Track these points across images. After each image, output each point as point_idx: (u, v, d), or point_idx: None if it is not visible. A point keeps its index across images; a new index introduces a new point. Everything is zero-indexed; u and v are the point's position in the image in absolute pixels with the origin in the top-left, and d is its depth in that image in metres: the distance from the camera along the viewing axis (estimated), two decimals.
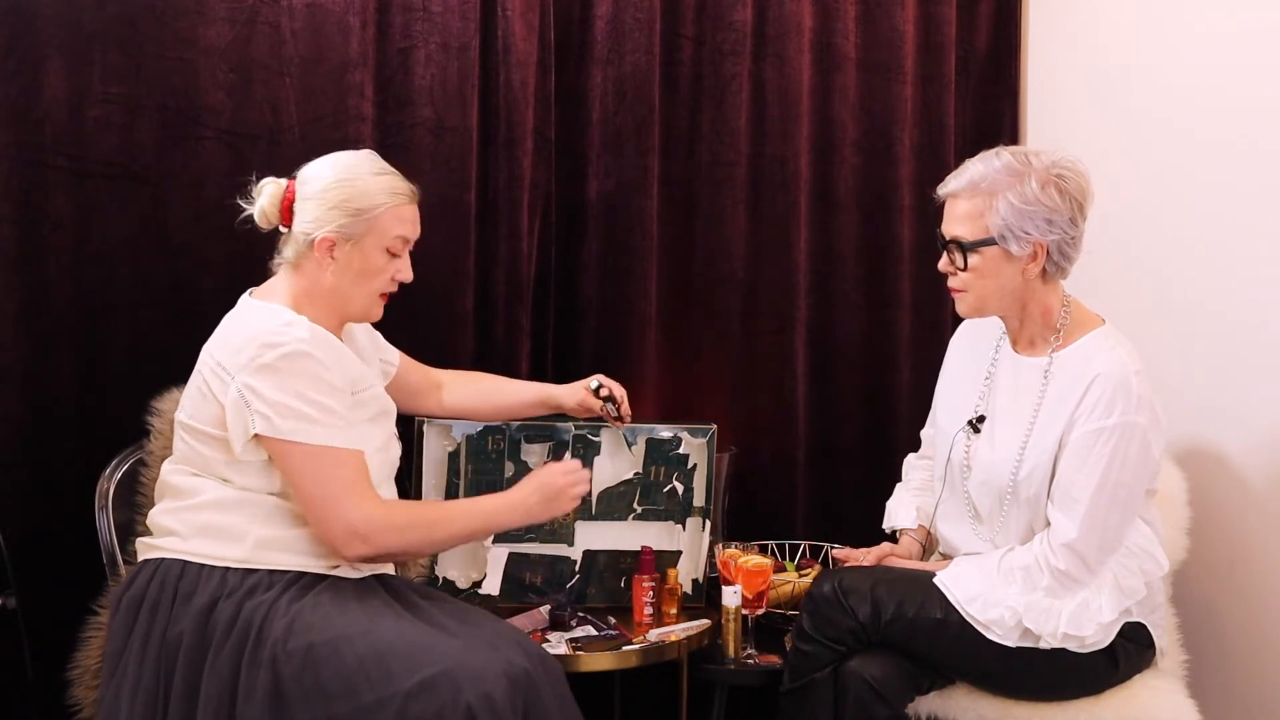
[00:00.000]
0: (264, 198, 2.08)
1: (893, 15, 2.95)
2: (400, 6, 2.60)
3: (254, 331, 1.97)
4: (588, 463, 2.46)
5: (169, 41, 2.43)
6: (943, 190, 2.19)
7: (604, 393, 2.37)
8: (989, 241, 2.12)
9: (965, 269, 2.16)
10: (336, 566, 2.01)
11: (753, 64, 2.87)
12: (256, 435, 1.94)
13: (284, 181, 2.09)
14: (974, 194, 2.13)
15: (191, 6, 2.44)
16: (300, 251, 2.05)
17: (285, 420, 1.93)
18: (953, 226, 2.16)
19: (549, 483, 2.15)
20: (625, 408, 2.40)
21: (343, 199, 2.03)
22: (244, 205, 2.11)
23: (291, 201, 2.06)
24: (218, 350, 2.00)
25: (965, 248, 2.14)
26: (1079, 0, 2.93)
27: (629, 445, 2.47)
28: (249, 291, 2.10)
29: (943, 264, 2.20)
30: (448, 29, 2.61)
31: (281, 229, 2.09)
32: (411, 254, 2.59)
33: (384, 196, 2.04)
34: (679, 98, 2.84)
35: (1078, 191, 2.13)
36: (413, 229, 2.10)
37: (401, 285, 2.58)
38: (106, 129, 2.40)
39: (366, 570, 2.05)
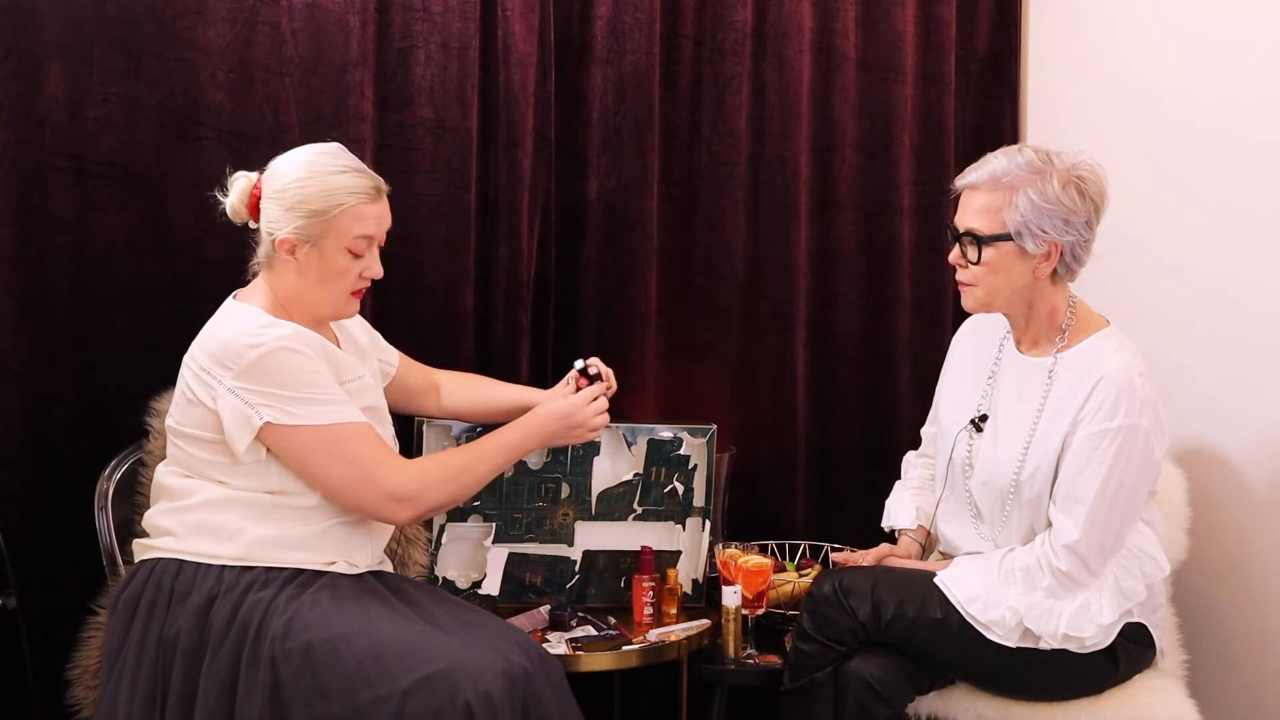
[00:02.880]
0: (233, 193, 2.08)
1: (893, 15, 2.95)
2: (400, 6, 2.60)
3: (233, 334, 1.97)
4: (587, 462, 2.46)
5: (169, 41, 2.43)
6: (961, 181, 2.18)
7: (592, 370, 2.34)
8: (1005, 237, 2.12)
9: (977, 263, 2.15)
10: (333, 564, 2.01)
11: (753, 64, 2.87)
12: (264, 429, 1.93)
13: (254, 176, 2.07)
14: (994, 188, 2.12)
15: (191, 6, 2.44)
16: (268, 251, 2.05)
17: (292, 406, 1.94)
18: (968, 219, 2.15)
19: (572, 414, 2.19)
20: (611, 388, 2.33)
21: (299, 200, 2.00)
22: (220, 199, 2.10)
23: (259, 198, 2.05)
24: (199, 354, 2.00)
25: (980, 241, 2.13)
26: (1079, 0, 2.93)
27: (629, 445, 2.48)
28: (234, 294, 2.11)
29: (953, 256, 2.19)
30: (448, 29, 2.61)
31: (251, 225, 2.08)
32: (412, 254, 2.61)
33: (342, 196, 2.00)
34: (679, 98, 2.84)
35: (1097, 195, 2.13)
36: (376, 226, 2.05)
37: (401, 285, 2.59)
38: (106, 129, 2.40)
39: (364, 567, 2.05)
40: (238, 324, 1.99)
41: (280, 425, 1.93)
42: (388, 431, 2.18)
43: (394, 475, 2.00)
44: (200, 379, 1.97)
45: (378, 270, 2.07)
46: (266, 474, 1.99)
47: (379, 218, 2.05)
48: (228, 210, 2.09)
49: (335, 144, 2.10)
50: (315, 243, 2.00)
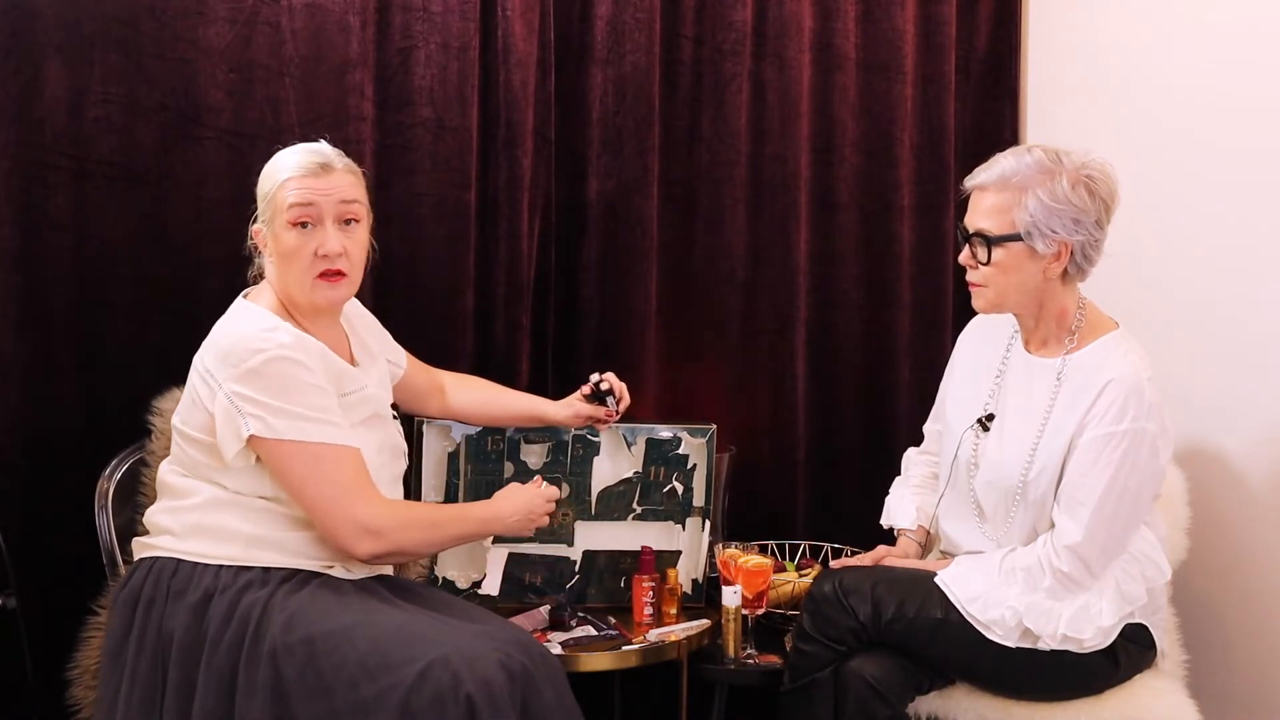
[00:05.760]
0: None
1: (893, 15, 2.95)
2: (400, 6, 2.60)
3: (237, 337, 1.97)
4: (587, 462, 2.46)
5: (169, 41, 2.42)
6: (970, 182, 2.18)
7: (605, 386, 2.37)
8: (1015, 237, 2.11)
9: (988, 263, 2.14)
10: (331, 567, 2.01)
11: (753, 64, 2.87)
12: (251, 439, 1.93)
13: None
14: (1004, 188, 2.12)
15: (191, 6, 2.44)
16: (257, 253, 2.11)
17: (279, 420, 1.92)
18: (978, 219, 2.15)
19: (532, 506, 2.20)
20: (624, 404, 2.40)
21: (258, 189, 2.06)
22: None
23: None
24: (207, 357, 2.00)
25: (990, 242, 2.13)
26: (1079, 0, 2.93)
27: (629, 445, 2.48)
28: (244, 293, 2.11)
29: (964, 257, 2.19)
30: (448, 29, 2.61)
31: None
32: (412, 254, 2.61)
33: (282, 173, 2.02)
34: (679, 98, 2.84)
35: (1107, 194, 2.12)
36: (312, 194, 1.99)
37: (402, 284, 2.59)
38: (106, 129, 2.39)
39: (363, 572, 2.05)
40: (244, 325, 2.00)
41: (264, 438, 1.93)
42: (393, 435, 2.18)
43: (367, 506, 1.96)
44: (204, 380, 1.97)
45: (330, 245, 1.99)
46: (260, 479, 1.99)
47: (318, 190, 2.00)
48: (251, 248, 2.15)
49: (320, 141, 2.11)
50: (269, 223, 2.04)
